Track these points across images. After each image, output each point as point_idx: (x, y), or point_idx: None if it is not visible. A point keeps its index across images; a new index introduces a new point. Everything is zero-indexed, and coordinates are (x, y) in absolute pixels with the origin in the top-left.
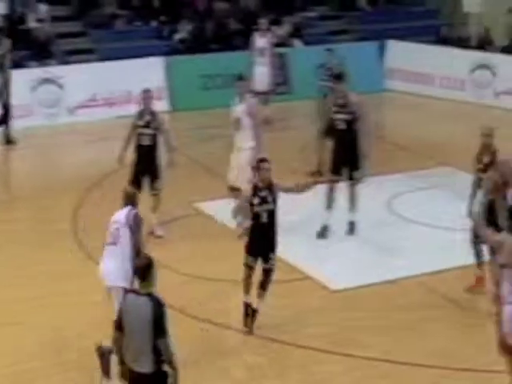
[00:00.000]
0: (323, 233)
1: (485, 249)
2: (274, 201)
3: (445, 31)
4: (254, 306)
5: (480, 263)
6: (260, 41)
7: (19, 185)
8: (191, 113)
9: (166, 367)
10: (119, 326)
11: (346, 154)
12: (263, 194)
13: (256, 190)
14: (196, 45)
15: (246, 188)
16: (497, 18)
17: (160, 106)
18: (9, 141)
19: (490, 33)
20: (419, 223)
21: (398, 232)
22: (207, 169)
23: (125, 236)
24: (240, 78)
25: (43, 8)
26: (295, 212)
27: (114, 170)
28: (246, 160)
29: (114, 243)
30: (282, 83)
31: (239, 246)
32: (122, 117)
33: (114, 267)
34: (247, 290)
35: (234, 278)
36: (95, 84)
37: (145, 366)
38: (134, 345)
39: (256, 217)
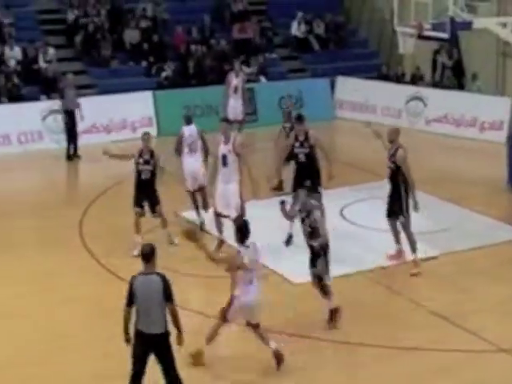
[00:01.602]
0: (289, 240)
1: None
2: None
3: (384, 69)
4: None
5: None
6: (234, 80)
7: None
8: (175, 137)
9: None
10: (129, 303)
11: (306, 178)
12: None
13: None
14: (179, 81)
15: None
16: (427, 58)
17: (150, 131)
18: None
19: (420, 70)
20: (368, 228)
21: (349, 235)
22: None
23: (199, 146)
24: (225, 119)
25: (51, 51)
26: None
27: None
28: (234, 191)
29: (194, 150)
30: (250, 113)
31: None
32: (118, 141)
33: (199, 167)
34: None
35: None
36: (95, 114)
37: (158, 328)
38: (151, 312)
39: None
